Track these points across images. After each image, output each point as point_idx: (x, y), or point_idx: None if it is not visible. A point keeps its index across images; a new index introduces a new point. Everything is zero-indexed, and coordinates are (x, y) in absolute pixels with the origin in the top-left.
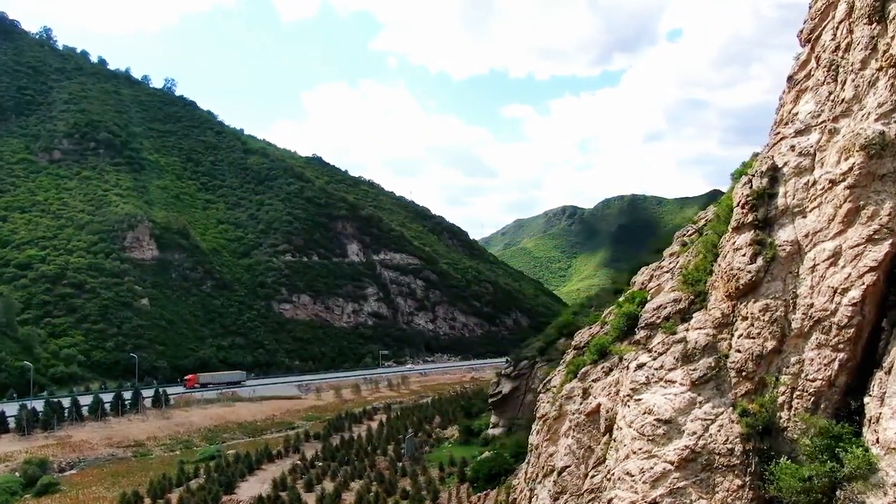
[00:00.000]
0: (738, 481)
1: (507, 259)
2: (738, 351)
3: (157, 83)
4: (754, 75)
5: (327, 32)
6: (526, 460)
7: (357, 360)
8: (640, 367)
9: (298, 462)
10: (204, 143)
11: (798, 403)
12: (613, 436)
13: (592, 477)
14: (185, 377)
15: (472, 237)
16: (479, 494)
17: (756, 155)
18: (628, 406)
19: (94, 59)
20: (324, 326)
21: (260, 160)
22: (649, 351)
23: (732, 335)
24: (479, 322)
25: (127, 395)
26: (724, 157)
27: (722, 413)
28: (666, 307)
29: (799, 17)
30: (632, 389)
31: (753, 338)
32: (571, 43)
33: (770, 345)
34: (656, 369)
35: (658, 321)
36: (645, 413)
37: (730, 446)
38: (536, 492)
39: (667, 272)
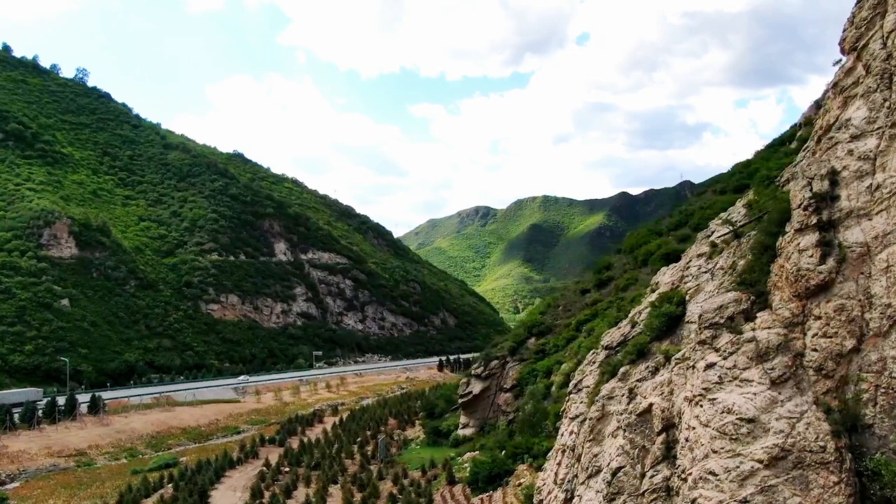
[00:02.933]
0: (833, 478)
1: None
2: (815, 350)
3: (64, 73)
4: (659, 80)
5: (233, 25)
6: (555, 461)
7: (289, 361)
8: (709, 366)
9: (264, 468)
10: (121, 137)
11: (883, 401)
12: (683, 435)
13: (651, 477)
14: None
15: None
16: (481, 496)
17: (779, 157)
18: (701, 406)
19: None
20: (253, 327)
21: (181, 156)
22: (717, 350)
23: (805, 334)
24: (408, 322)
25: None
26: (629, 159)
27: (807, 411)
28: (728, 307)
29: (702, 25)
30: (704, 389)
31: (830, 337)
32: (484, 44)
33: (849, 344)
34: (729, 368)
35: (722, 321)
36: (724, 412)
37: (821, 443)
38: (579, 493)
39: (705, 272)
